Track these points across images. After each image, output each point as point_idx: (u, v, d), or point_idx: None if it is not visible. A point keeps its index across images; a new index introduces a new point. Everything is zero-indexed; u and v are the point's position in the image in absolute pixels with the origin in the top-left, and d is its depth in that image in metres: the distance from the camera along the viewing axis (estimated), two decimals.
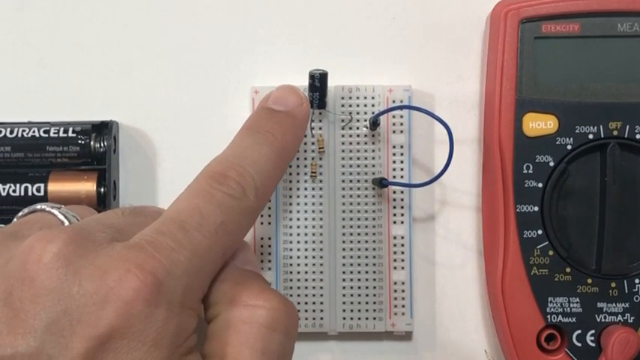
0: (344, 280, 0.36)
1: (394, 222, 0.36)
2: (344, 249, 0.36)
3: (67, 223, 0.27)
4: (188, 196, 0.27)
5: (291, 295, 0.36)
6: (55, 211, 0.28)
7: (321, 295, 0.36)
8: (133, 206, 0.29)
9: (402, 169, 0.36)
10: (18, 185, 0.36)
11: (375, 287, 0.36)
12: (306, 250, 0.36)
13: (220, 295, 0.27)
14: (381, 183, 0.35)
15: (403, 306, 0.36)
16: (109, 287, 0.24)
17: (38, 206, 0.28)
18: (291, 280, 0.36)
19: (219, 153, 0.37)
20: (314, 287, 0.36)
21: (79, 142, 0.36)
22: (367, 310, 0.36)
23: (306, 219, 0.36)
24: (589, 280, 0.34)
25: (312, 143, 0.36)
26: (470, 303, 0.37)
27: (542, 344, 0.34)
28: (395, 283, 0.36)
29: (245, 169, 0.28)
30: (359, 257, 0.36)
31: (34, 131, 0.36)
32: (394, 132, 0.36)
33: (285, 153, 0.31)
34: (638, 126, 0.34)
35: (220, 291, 0.27)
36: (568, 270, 0.34)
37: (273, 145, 0.30)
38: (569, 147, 0.34)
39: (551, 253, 0.34)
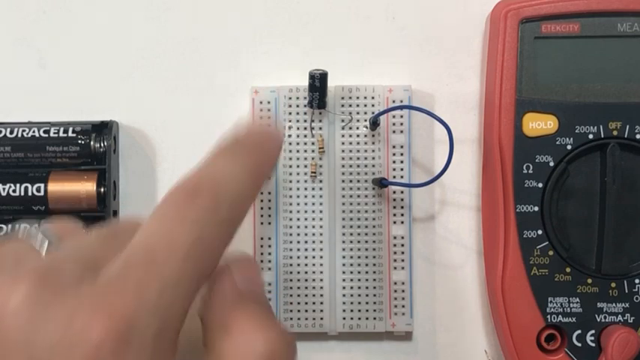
0: (344, 280, 0.36)
1: (394, 222, 0.36)
2: (344, 249, 0.36)
3: (44, 250, 0.26)
4: (158, 216, 0.25)
5: (291, 295, 0.36)
6: (35, 237, 0.26)
7: (321, 295, 0.36)
8: (109, 226, 0.27)
9: (402, 169, 0.36)
10: (18, 185, 0.36)
11: (375, 287, 0.36)
12: (306, 250, 0.36)
13: (216, 320, 0.25)
14: (381, 183, 0.35)
15: (403, 306, 0.36)
16: (75, 334, 0.22)
17: (20, 227, 0.27)
18: (291, 280, 0.36)
19: None
20: (314, 287, 0.36)
21: (79, 142, 0.36)
22: (367, 310, 0.36)
23: (306, 219, 0.36)
24: (589, 280, 0.34)
25: (312, 143, 0.36)
26: (470, 303, 0.37)
27: (542, 344, 0.34)
28: (395, 283, 0.36)
29: (217, 182, 0.27)
30: (359, 257, 0.36)
31: (34, 131, 0.36)
32: (394, 132, 0.36)
33: (260, 170, 0.29)
34: (638, 126, 0.34)
35: (217, 316, 0.25)
36: (568, 270, 0.34)
37: (248, 162, 0.28)
38: (569, 147, 0.34)
39: (551, 253, 0.34)
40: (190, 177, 0.27)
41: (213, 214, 0.25)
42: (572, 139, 0.34)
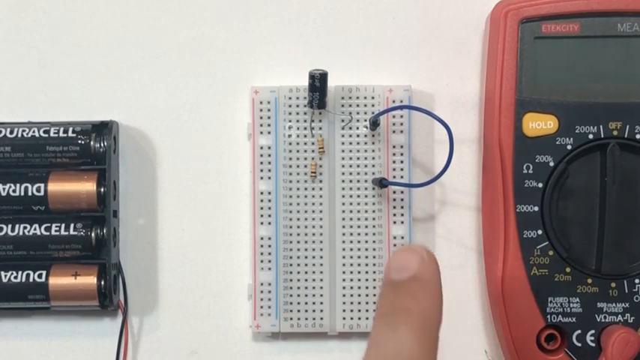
0: (344, 280, 0.36)
1: (394, 222, 0.36)
2: (344, 249, 0.36)
3: None
4: None
5: (291, 296, 0.36)
6: None
7: (321, 295, 0.36)
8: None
9: (402, 169, 0.36)
10: (18, 185, 0.36)
11: (375, 287, 0.36)
12: (306, 250, 0.36)
13: None
14: (381, 183, 0.35)
15: None
16: None
17: None
18: (291, 280, 0.36)
19: (218, 153, 0.37)
20: (314, 287, 0.36)
21: (79, 142, 0.36)
22: (367, 310, 0.36)
23: (306, 219, 0.36)
24: (589, 280, 0.34)
25: (312, 143, 0.36)
26: (470, 303, 0.37)
27: (542, 344, 0.34)
28: None
29: None
30: (359, 257, 0.36)
31: (34, 131, 0.36)
32: (394, 132, 0.36)
33: (429, 322, 0.26)
34: (638, 126, 0.34)
35: None
36: (568, 270, 0.34)
37: (412, 324, 0.26)
38: (569, 147, 0.34)
39: (551, 253, 0.34)
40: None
41: None
42: (572, 139, 0.34)
